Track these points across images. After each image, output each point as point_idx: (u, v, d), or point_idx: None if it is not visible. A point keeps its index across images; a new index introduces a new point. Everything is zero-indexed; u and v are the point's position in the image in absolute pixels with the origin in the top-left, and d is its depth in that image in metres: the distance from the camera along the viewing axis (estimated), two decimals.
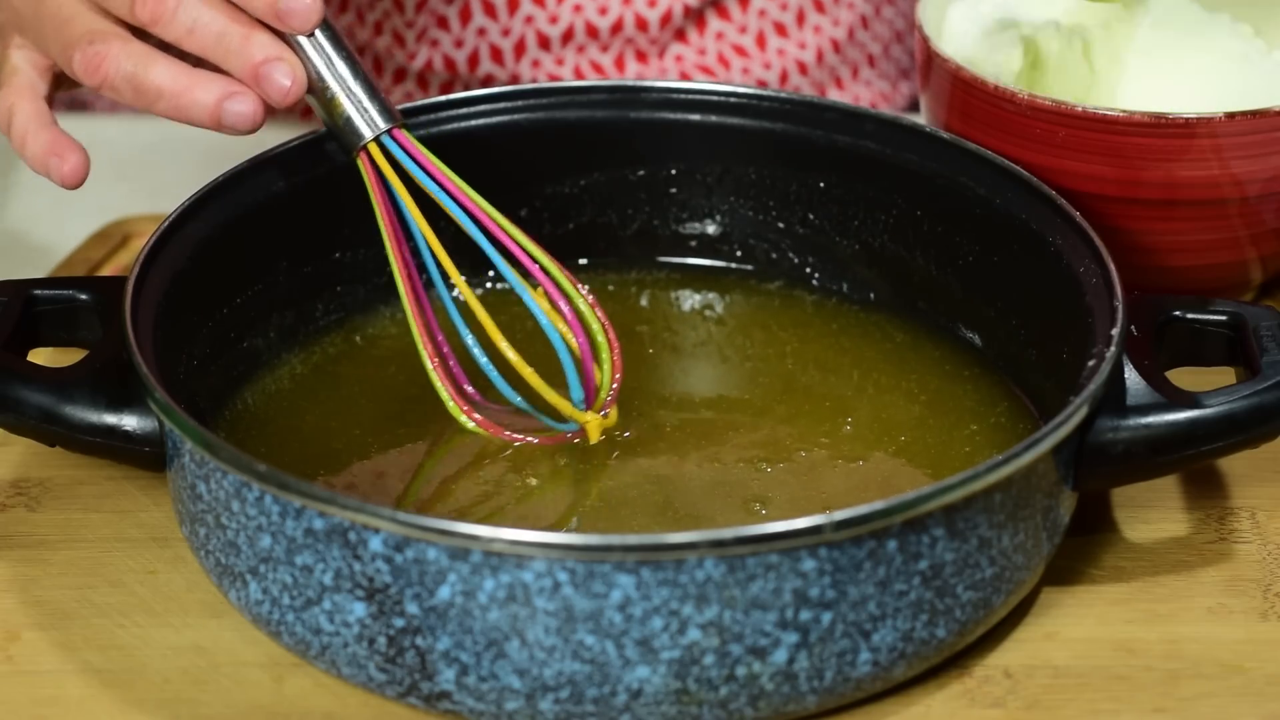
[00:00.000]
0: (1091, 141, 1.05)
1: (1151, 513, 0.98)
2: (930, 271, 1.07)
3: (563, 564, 0.82)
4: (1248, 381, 0.92)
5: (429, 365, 0.97)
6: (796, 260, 1.11)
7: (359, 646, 0.86)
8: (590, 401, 0.97)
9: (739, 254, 1.12)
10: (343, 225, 1.06)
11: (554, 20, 1.28)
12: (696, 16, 1.31)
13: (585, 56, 1.30)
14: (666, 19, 1.29)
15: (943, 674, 0.90)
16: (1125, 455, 0.91)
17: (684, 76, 1.32)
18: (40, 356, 0.97)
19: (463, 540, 0.82)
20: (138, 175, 1.31)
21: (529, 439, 0.98)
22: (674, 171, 1.11)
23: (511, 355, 0.96)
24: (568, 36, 1.29)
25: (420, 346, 0.97)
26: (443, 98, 1.08)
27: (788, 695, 0.85)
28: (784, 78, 1.33)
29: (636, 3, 1.29)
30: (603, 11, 1.28)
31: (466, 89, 1.27)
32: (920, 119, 1.14)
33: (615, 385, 0.98)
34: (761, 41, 1.32)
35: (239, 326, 1.03)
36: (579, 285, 0.98)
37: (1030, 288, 1.01)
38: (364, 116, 0.96)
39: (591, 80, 1.12)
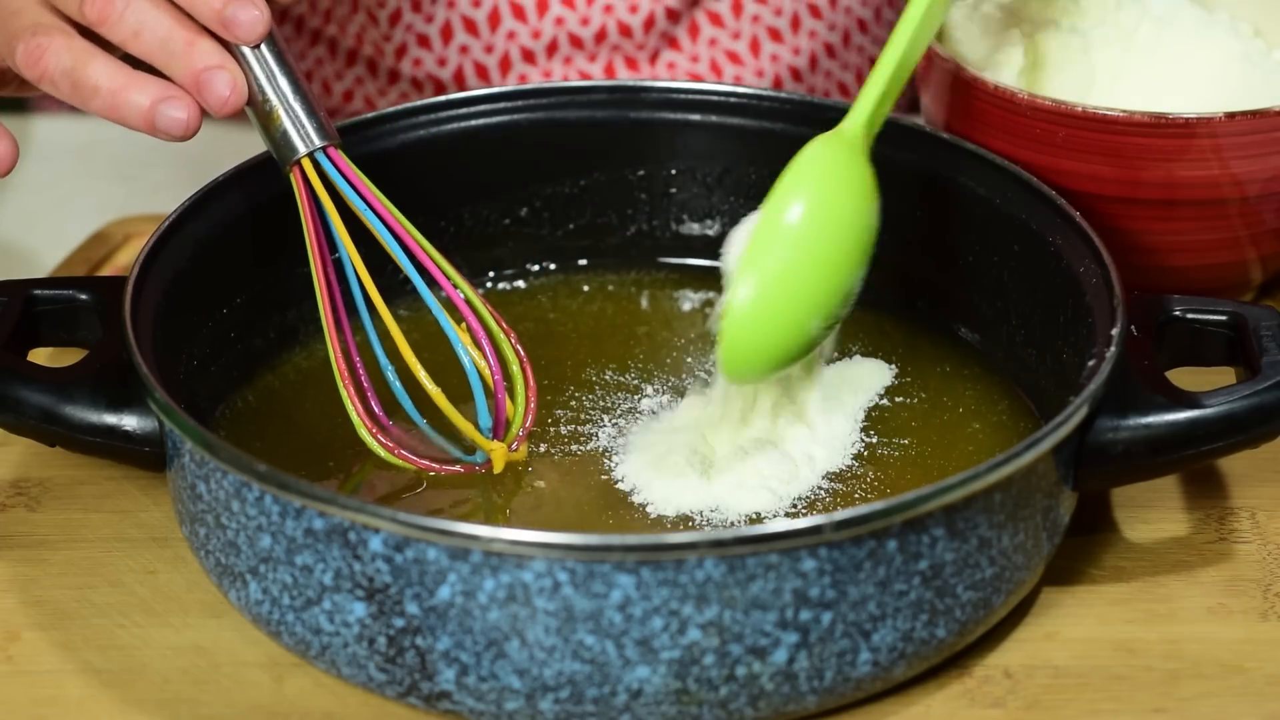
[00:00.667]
0: (1091, 141, 1.05)
1: (1151, 513, 0.99)
2: (930, 271, 1.07)
3: (563, 564, 0.82)
4: (1248, 381, 0.92)
5: (342, 388, 0.96)
6: None
7: (359, 646, 0.86)
8: (499, 432, 0.97)
9: None
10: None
11: (537, 35, 1.28)
12: (688, 22, 1.31)
13: (573, 67, 1.30)
14: (650, 23, 1.29)
15: (943, 674, 0.90)
16: (1125, 455, 0.91)
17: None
18: (40, 356, 0.97)
19: (463, 540, 0.82)
20: (138, 175, 1.31)
21: (439, 468, 0.97)
22: (674, 171, 1.11)
23: (425, 381, 0.95)
24: (552, 49, 1.29)
25: (335, 367, 0.96)
26: (442, 98, 1.08)
27: (788, 695, 0.85)
28: (777, 83, 1.33)
29: (618, 9, 1.28)
30: (584, 22, 1.28)
31: None
32: (920, 119, 1.14)
33: (529, 423, 0.97)
34: (755, 47, 1.32)
35: (239, 326, 1.03)
36: (500, 320, 0.97)
37: (1030, 288, 1.01)
38: (300, 132, 0.96)
39: (591, 80, 1.12)
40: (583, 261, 1.12)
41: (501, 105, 1.09)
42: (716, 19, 1.31)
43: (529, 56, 1.29)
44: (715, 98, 1.10)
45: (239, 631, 0.91)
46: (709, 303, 1.11)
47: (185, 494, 0.91)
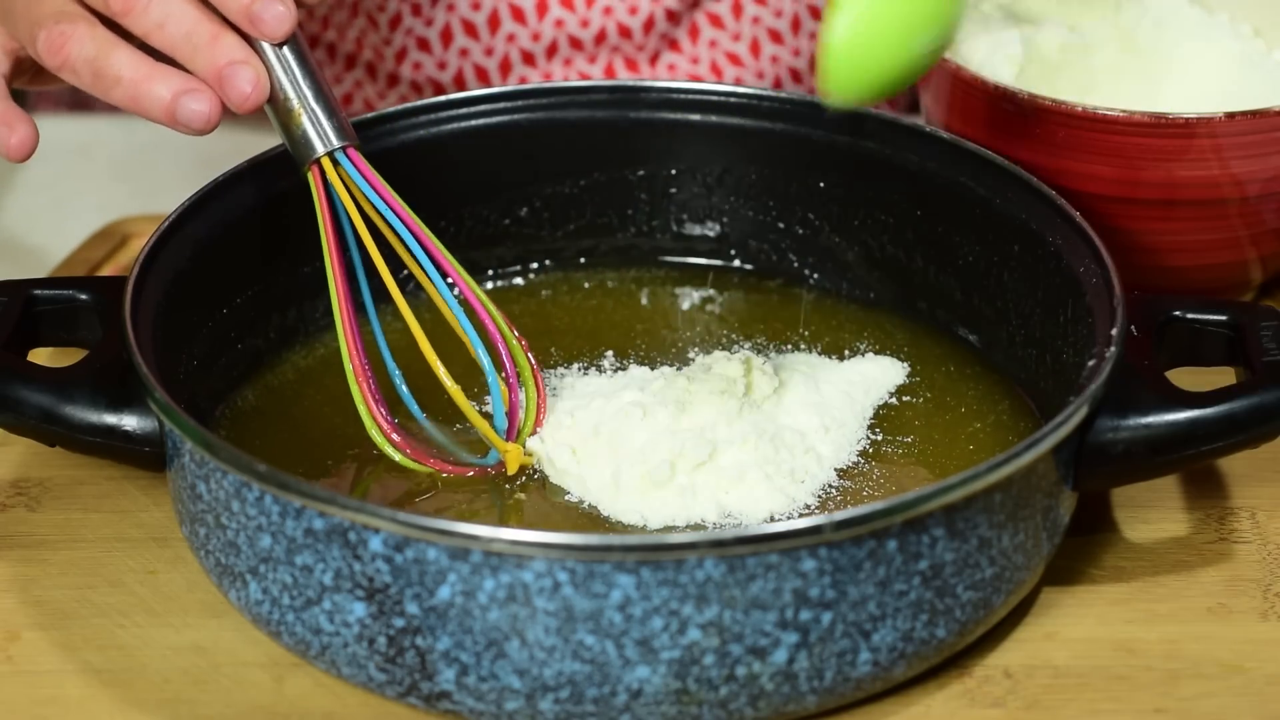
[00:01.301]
0: (1091, 141, 1.05)
1: (1151, 513, 0.98)
2: (930, 271, 1.07)
3: (563, 564, 0.82)
4: (1248, 381, 0.92)
5: (355, 388, 0.96)
6: (796, 260, 1.11)
7: (359, 646, 0.86)
8: (512, 433, 0.97)
9: (739, 254, 1.12)
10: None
11: (536, 37, 1.28)
12: (688, 24, 1.31)
13: (573, 69, 1.30)
14: (650, 25, 1.29)
15: (943, 674, 0.90)
16: (1125, 455, 0.91)
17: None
18: (40, 356, 0.97)
19: (463, 540, 0.82)
20: (138, 175, 1.31)
21: (453, 469, 0.97)
22: (674, 171, 1.11)
23: (448, 382, 0.95)
24: (552, 51, 1.29)
25: (349, 367, 0.96)
26: (442, 98, 1.08)
27: (788, 695, 0.85)
28: (777, 85, 1.33)
29: (617, 11, 1.28)
30: (584, 24, 1.28)
31: None
32: (920, 119, 1.14)
33: (539, 428, 0.98)
34: (755, 49, 1.32)
35: (239, 326, 1.03)
36: (512, 324, 0.98)
37: (1030, 288, 1.01)
38: (319, 131, 0.96)
39: (591, 80, 1.12)
40: (583, 261, 1.12)
41: (501, 105, 1.09)
42: (716, 20, 1.31)
43: (529, 59, 1.29)
44: (715, 98, 1.10)
45: (239, 631, 0.91)
46: (709, 300, 1.11)
47: (185, 494, 0.91)
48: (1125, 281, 0.95)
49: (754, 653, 0.84)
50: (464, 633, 0.84)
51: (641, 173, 1.11)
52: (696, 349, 1.06)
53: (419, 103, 1.08)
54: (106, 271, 1.18)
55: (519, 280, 1.12)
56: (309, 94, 0.95)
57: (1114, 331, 0.92)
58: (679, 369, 1.02)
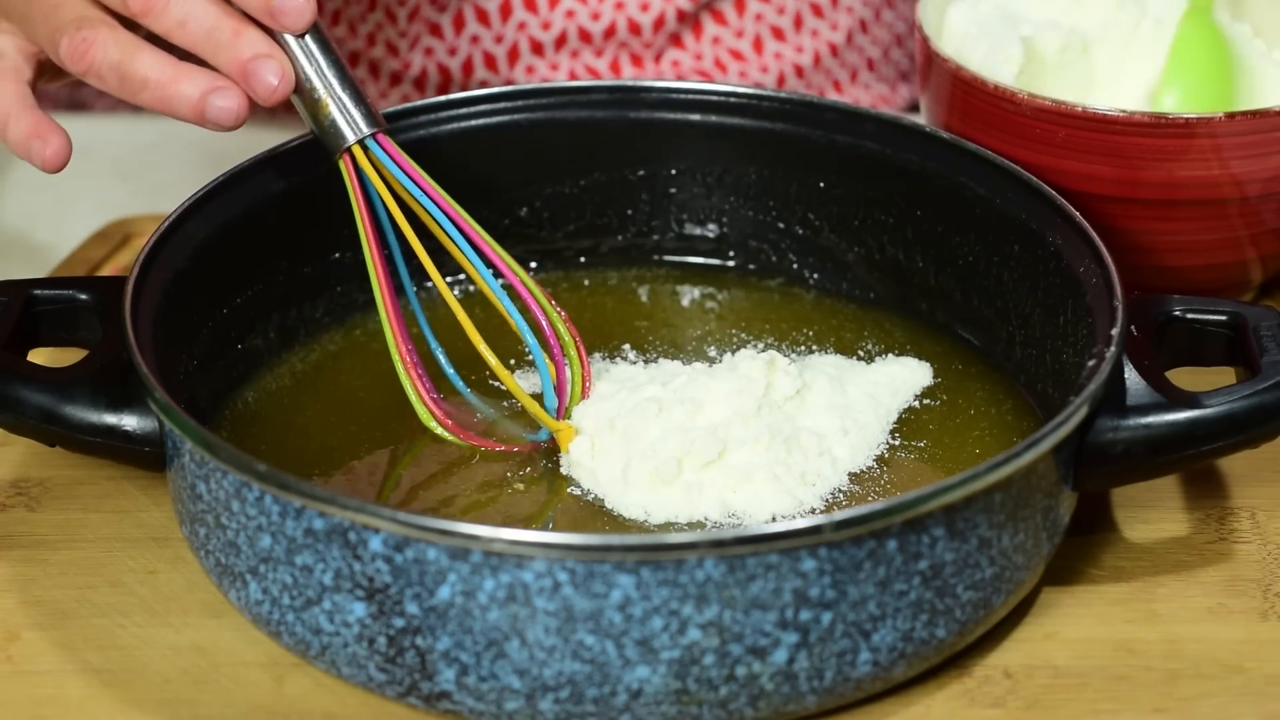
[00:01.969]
0: (1091, 141, 1.05)
1: (1151, 513, 0.98)
2: (930, 271, 1.07)
3: (563, 564, 0.82)
4: (1248, 381, 0.92)
5: (402, 370, 0.97)
6: (796, 260, 1.11)
7: (359, 646, 0.86)
8: (562, 410, 0.98)
9: (739, 253, 1.12)
10: (342, 225, 1.05)
11: (547, 26, 1.28)
12: (692, 21, 1.31)
13: (579, 61, 1.30)
14: (659, 23, 1.29)
15: (943, 674, 0.90)
16: (1125, 455, 0.91)
17: (681, 80, 1.32)
18: (40, 356, 0.97)
19: (463, 540, 0.82)
20: (138, 175, 1.31)
21: (499, 446, 0.98)
22: (674, 171, 1.11)
23: (491, 359, 0.96)
24: (561, 42, 1.29)
25: (394, 352, 0.97)
26: (442, 98, 1.08)
27: (788, 695, 0.85)
28: (781, 82, 1.33)
29: (629, 7, 1.28)
30: (595, 17, 1.28)
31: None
32: (920, 119, 1.14)
33: (585, 398, 0.98)
34: (758, 46, 1.32)
35: (239, 326, 1.03)
36: (552, 299, 0.98)
37: (1030, 288, 1.01)
38: (348, 119, 0.96)
39: (591, 80, 1.12)
40: (583, 260, 1.12)
41: (501, 105, 1.09)
42: (720, 17, 1.31)
43: (537, 48, 1.29)
44: (715, 98, 1.10)
45: (239, 631, 0.91)
46: (709, 297, 1.11)
47: (185, 494, 0.91)
48: (1125, 281, 0.95)
49: (754, 653, 0.84)
50: (464, 633, 0.84)
51: (641, 173, 1.11)
52: (695, 348, 1.06)
53: (419, 103, 1.08)
54: (106, 271, 1.18)
55: (501, 282, 1.12)
56: (335, 83, 0.96)
57: (1114, 331, 0.92)
58: (711, 365, 1.02)
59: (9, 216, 1.28)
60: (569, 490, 0.96)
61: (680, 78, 1.32)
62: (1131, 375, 0.92)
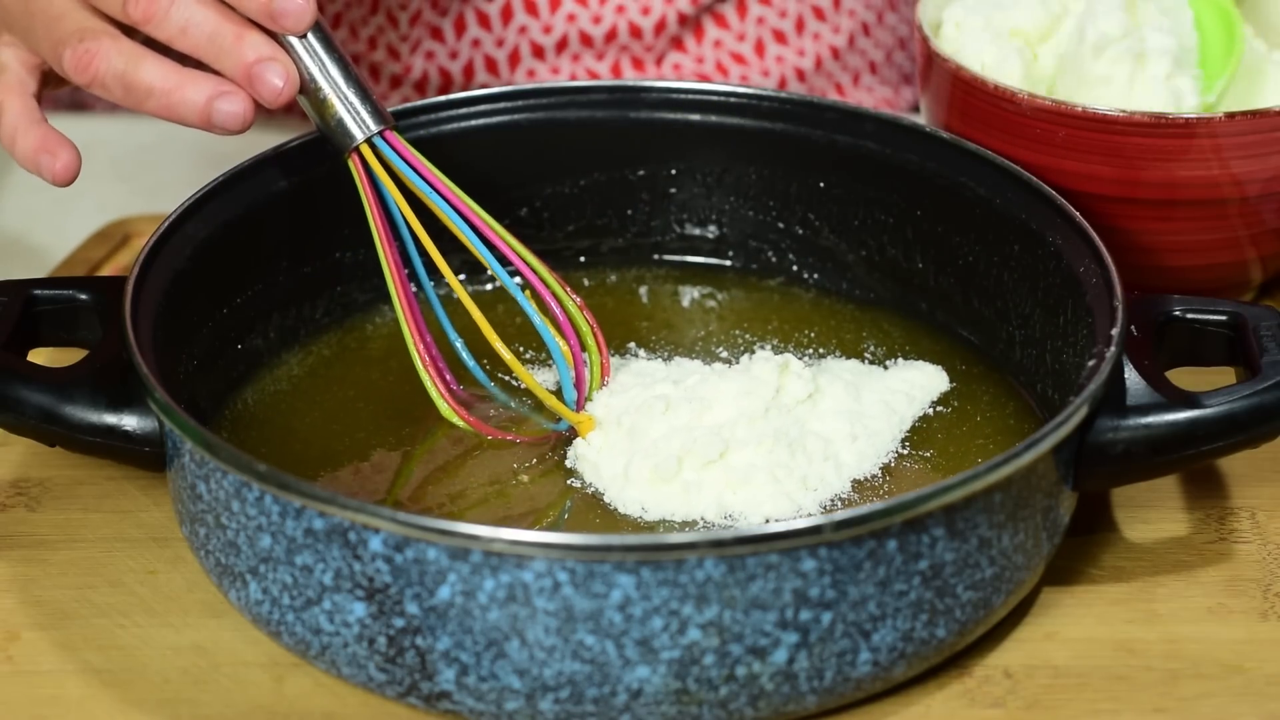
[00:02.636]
0: (1091, 141, 1.05)
1: (1151, 513, 0.98)
2: (930, 271, 1.07)
3: (563, 564, 0.82)
4: (1248, 381, 0.92)
5: (420, 365, 0.97)
6: (796, 260, 1.11)
7: (359, 646, 0.86)
8: (581, 402, 0.98)
9: (739, 253, 1.12)
10: (343, 225, 1.06)
11: (548, 30, 1.28)
12: (694, 25, 1.31)
13: (580, 65, 1.30)
14: (661, 26, 1.29)
15: (943, 674, 0.90)
16: (1125, 455, 0.91)
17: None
18: (40, 356, 0.97)
19: (463, 540, 0.82)
20: (138, 175, 1.31)
21: (519, 438, 0.98)
22: (674, 171, 1.11)
23: (506, 355, 0.97)
24: (562, 45, 1.29)
25: (411, 347, 0.97)
26: (442, 98, 1.08)
27: (788, 695, 0.85)
28: (783, 84, 1.33)
29: (630, 10, 1.28)
30: (596, 20, 1.28)
31: None
32: (920, 119, 1.13)
33: (605, 384, 0.99)
34: (760, 49, 1.32)
35: (239, 327, 1.03)
36: (568, 288, 0.99)
37: (1030, 288, 1.01)
38: (355, 118, 0.96)
39: (591, 80, 1.12)
40: (583, 260, 1.12)
41: (501, 105, 1.09)
42: (721, 21, 1.31)
43: (539, 52, 1.29)
44: (715, 98, 1.10)
45: (239, 631, 0.91)
46: (709, 297, 1.11)
47: (185, 494, 0.91)
48: (1125, 281, 0.95)
49: (754, 653, 0.84)
50: (464, 633, 0.84)
51: (641, 173, 1.11)
52: (696, 349, 1.06)
53: (419, 103, 1.08)
54: (106, 271, 1.18)
55: (518, 279, 1.11)
56: (340, 81, 0.96)
57: (1114, 331, 0.92)
58: (730, 365, 1.02)
59: (9, 216, 1.28)
60: (569, 482, 0.96)
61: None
62: (1131, 375, 0.92)
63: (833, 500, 0.95)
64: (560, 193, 1.11)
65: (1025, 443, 0.86)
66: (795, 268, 1.11)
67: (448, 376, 0.99)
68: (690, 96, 1.10)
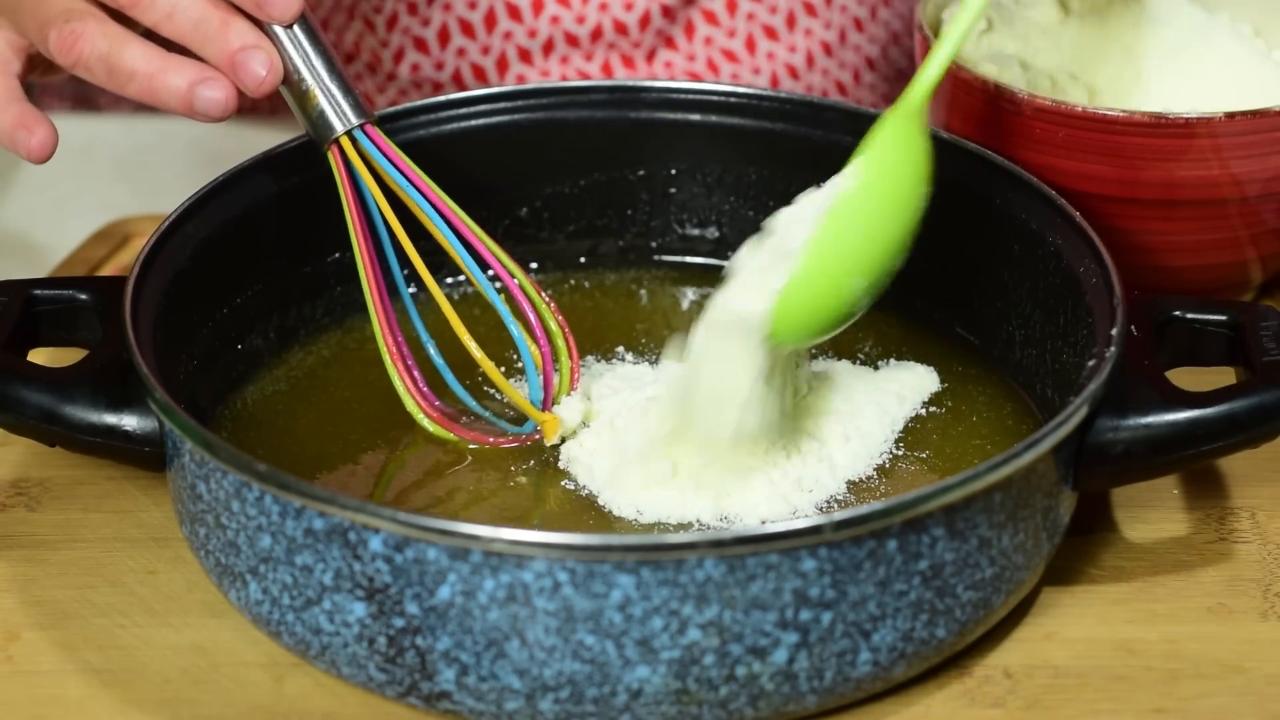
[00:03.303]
0: (1091, 141, 1.05)
1: (1151, 513, 0.98)
2: (930, 271, 1.07)
3: (563, 564, 0.82)
4: (1248, 381, 0.92)
5: (390, 364, 0.98)
6: None
7: (359, 646, 0.86)
8: (547, 403, 0.98)
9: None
10: (342, 225, 1.05)
11: (532, 34, 1.28)
12: (684, 22, 1.31)
13: (569, 66, 1.30)
14: (645, 21, 1.29)
15: (943, 674, 0.90)
16: (1125, 455, 0.91)
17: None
18: (40, 356, 0.97)
19: (463, 540, 0.82)
20: (138, 175, 1.31)
21: (486, 440, 0.98)
22: (674, 171, 1.11)
23: (476, 353, 0.97)
24: (549, 47, 1.29)
25: (382, 346, 0.97)
26: (441, 98, 1.08)
27: (788, 695, 0.85)
28: (774, 82, 1.33)
29: (613, 7, 1.28)
30: (580, 20, 1.28)
31: None
32: None
33: (574, 389, 0.99)
34: (750, 45, 1.32)
35: (239, 326, 1.03)
36: (541, 291, 0.99)
37: (1030, 288, 1.01)
38: (337, 111, 0.97)
39: (591, 80, 1.12)
40: (583, 260, 1.12)
41: (501, 105, 1.09)
42: (711, 17, 1.31)
43: (525, 56, 1.29)
44: (715, 98, 1.10)
45: (239, 631, 0.91)
46: (709, 297, 1.11)
47: (185, 494, 0.91)
48: (1125, 281, 0.95)
49: (754, 653, 0.84)
50: (464, 633, 0.84)
51: (641, 173, 1.11)
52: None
53: (418, 103, 1.08)
54: (106, 271, 1.18)
55: (497, 284, 1.11)
56: (324, 73, 0.96)
57: (1114, 331, 0.92)
58: None
59: (9, 216, 1.28)
60: (563, 484, 0.96)
61: (672, 79, 1.32)
62: (1131, 375, 0.92)
63: (828, 501, 0.95)
64: (560, 193, 1.11)
65: (1025, 443, 0.86)
66: None
67: (416, 375, 0.99)
68: (690, 96, 1.10)
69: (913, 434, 1.00)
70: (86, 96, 1.40)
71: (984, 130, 1.07)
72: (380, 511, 0.83)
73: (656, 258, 1.13)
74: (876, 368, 1.04)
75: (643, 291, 1.11)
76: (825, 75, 1.35)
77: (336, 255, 1.07)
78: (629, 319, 1.09)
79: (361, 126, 0.97)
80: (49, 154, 0.98)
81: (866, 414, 0.99)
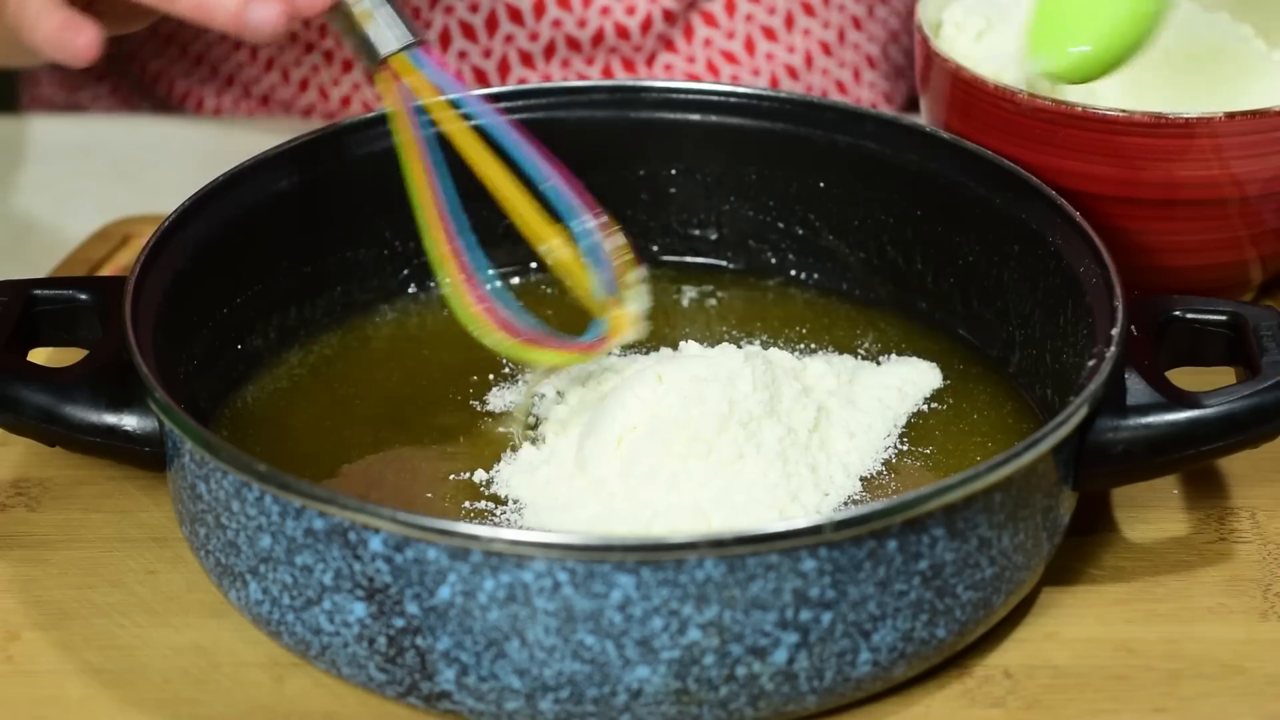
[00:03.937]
0: (1091, 141, 1.05)
1: (1151, 513, 0.99)
2: (930, 271, 1.07)
3: (563, 564, 0.82)
4: (1248, 381, 0.92)
5: (452, 275, 0.96)
6: (796, 260, 1.11)
7: (359, 646, 0.86)
8: (615, 283, 0.97)
9: (739, 253, 1.12)
10: (343, 225, 1.06)
11: (534, 37, 1.28)
12: (683, 24, 1.31)
13: (570, 70, 1.30)
14: (647, 25, 1.29)
15: (943, 674, 0.90)
16: (1125, 455, 0.91)
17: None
18: (40, 356, 0.97)
19: (463, 540, 0.82)
20: (138, 175, 1.31)
21: (554, 345, 0.97)
22: (674, 171, 1.11)
23: (548, 236, 0.96)
24: (550, 51, 1.29)
25: (452, 274, 0.96)
26: (440, 99, 1.08)
27: (788, 695, 0.85)
28: (774, 83, 1.33)
29: (615, 11, 1.28)
30: (582, 24, 1.28)
31: None
32: (920, 119, 1.14)
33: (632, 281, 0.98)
34: (750, 47, 1.32)
35: (239, 326, 1.03)
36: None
37: (1030, 288, 1.01)
38: (392, 29, 0.95)
39: (591, 80, 1.12)
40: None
41: (501, 105, 1.09)
42: (710, 19, 1.31)
43: (527, 60, 1.29)
44: (715, 98, 1.10)
45: (239, 631, 0.91)
46: (709, 296, 1.11)
47: (185, 494, 0.91)
48: (1125, 281, 0.95)
49: (754, 653, 0.84)
50: (464, 633, 0.84)
51: (641, 173, 1.11)
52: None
53: (417, 104, 1.08)
54: (106, 271, 1.18)
55: (517, 280, 1.12)
56: None
57: (1114, 331, 0.92)
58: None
59: (9, 216, 1.28)
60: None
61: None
62: (1131, 375, 0.92)
63: (828, 495, 0.95)
64: None
65: (1025, 442, 0.86)
66: (794, 268, 1.11)
67: (493, 305, 0.96)
68: (690, 96, 1.10)
69: (914, 431, 1.00)
70: (82, 101, 1.40)
71: (984, 130, 1.07)
72: (380, 511, 0.83)
73: (656, 257, 1.13)
74: (878, 363, 1.04)
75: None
76: (825, 75, 1.35)
77: (336, 255, 1.07)
78: None
79: (419, 44, 0.96)
80: (95, 55, 0.94)
81: (868, 409, 0.99)
